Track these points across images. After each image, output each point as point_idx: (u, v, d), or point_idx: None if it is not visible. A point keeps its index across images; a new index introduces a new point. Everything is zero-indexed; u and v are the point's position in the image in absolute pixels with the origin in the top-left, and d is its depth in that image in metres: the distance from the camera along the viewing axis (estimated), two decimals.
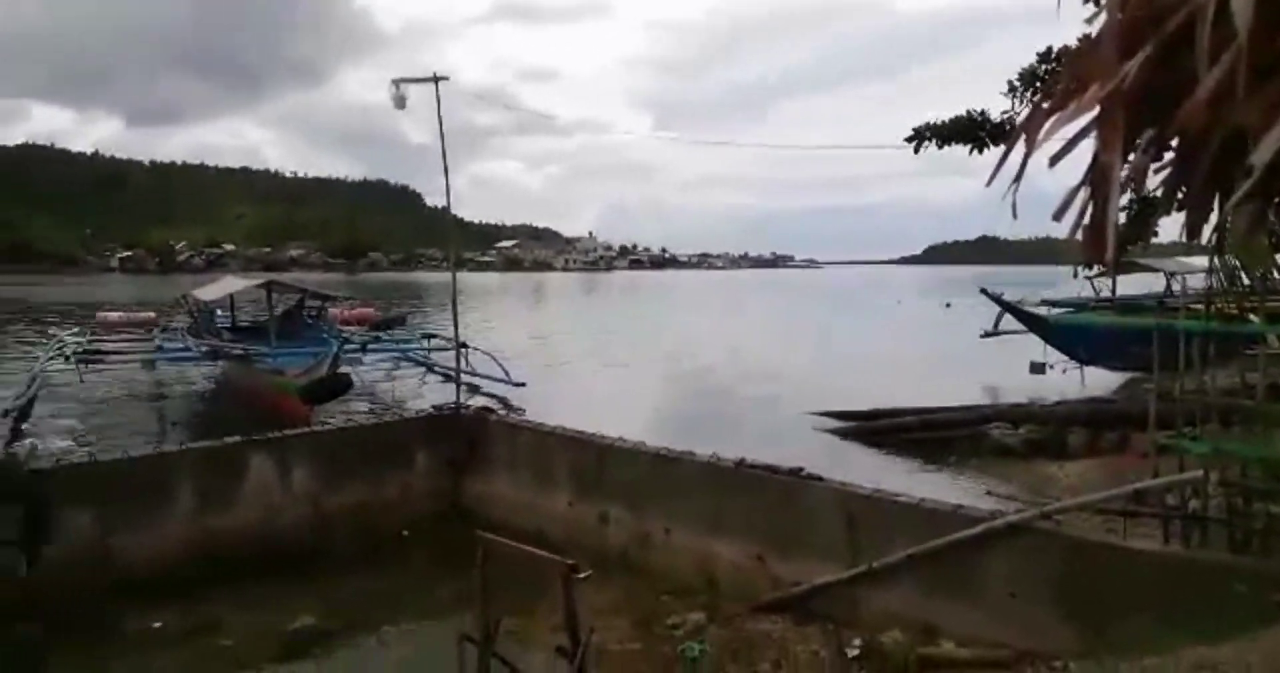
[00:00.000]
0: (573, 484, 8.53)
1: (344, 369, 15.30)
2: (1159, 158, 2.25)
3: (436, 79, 11.23)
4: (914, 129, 9.80)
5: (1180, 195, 2.25)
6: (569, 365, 25.33)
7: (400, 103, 11.31)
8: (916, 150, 9.92)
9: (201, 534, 7.74)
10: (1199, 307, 5.85)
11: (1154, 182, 2.30)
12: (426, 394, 18.51)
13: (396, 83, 11.29)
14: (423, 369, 21.78)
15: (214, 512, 7.90)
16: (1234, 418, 5.77)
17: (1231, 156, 1.88)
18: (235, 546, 7.75)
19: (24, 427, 14.39)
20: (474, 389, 17.69)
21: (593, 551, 7.15)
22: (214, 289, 22.62)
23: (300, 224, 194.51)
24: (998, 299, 22.33)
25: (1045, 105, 2.19)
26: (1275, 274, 5.72)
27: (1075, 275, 14.95)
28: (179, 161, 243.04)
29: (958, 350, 25.36)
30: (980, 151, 9.64)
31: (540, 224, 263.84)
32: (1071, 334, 19.95)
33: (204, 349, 18.82)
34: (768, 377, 22.40)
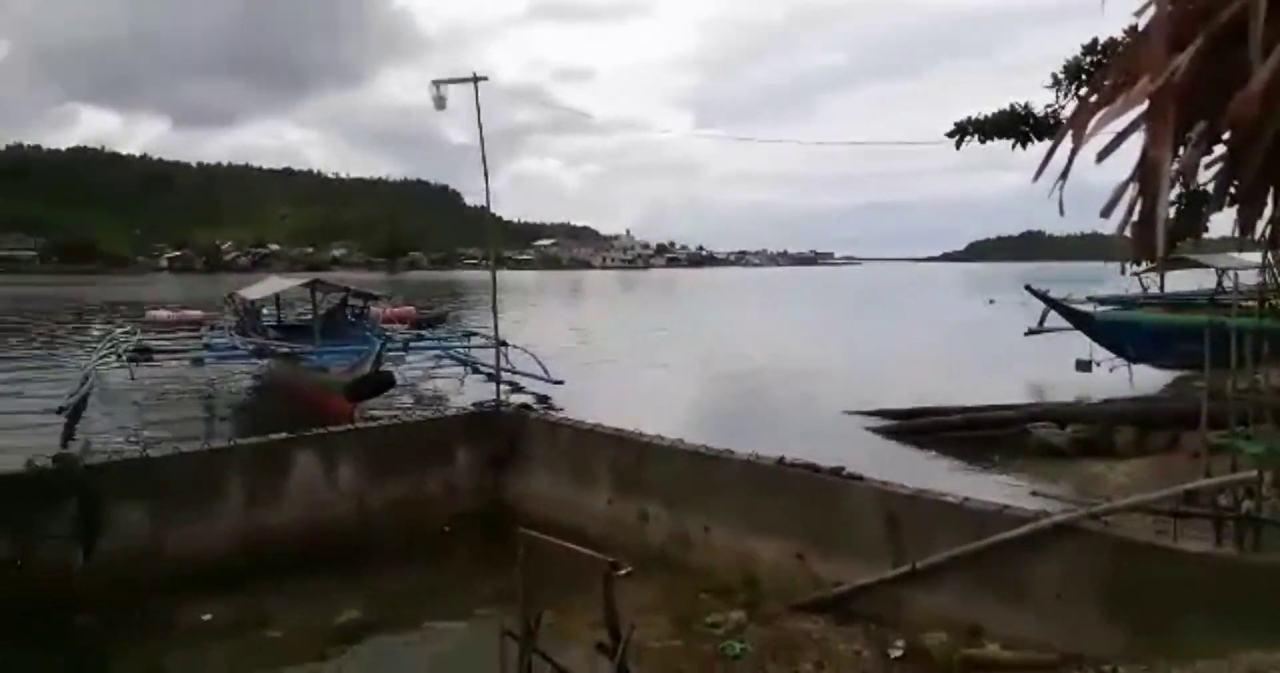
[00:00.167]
0: (612, 482, 8.55)
1: (386, 367, 15.49)
2: (1210, 152, 2.21)
3: (475, 79, 11.29)
4: (956, 124, 9.68)
5: (1233, 190, 2.21)
6: (607, 363, 25.38)
7: (440, 103, 11.40)
8: (959, 145, 9.79)
9: (250, 529, 7.90)
10: (1252, 303, 5.72)
11: (1205, 176, 2.26)
12: (467, 392, 18.70)
13: (436, 83, 11.37)
14: (463, 367, 22.01)
15: (262, 507, 8.06)
16: None
17: None
18: (282, 540, 7.89)
19: (78, 424, 14.74)
20: (514, 387, 17.80)
21: (632, 548, 7.16)
22: (260, 288, 23.05)
23: (343, 224, 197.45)
24: (1042, 296, 21.95)
25: (1092, 99, 2.16)
26: None
27: (1123, 272, 14.66)
28: (224, 163, 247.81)
29: (1002, 348, 24.99)
30: (1024, 146, 9.49)
31: (578, 223, 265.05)
32: (1119, 331, 19.57)
33: (251, 347, 19.19)
34: (807, 374, 22.25)
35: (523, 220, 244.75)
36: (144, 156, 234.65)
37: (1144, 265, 12.63)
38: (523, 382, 18.96)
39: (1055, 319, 22.21)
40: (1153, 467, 11.08)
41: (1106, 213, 2.13)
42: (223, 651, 6.44)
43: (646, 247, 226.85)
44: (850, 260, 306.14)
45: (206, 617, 6.85)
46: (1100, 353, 19.14)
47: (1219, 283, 20.70)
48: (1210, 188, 2.31)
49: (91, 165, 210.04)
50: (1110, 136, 2.12)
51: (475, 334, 23.18)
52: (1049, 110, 9.07)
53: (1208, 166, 2.22)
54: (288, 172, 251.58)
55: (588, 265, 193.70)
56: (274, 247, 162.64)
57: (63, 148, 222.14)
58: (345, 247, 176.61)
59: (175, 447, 8.69)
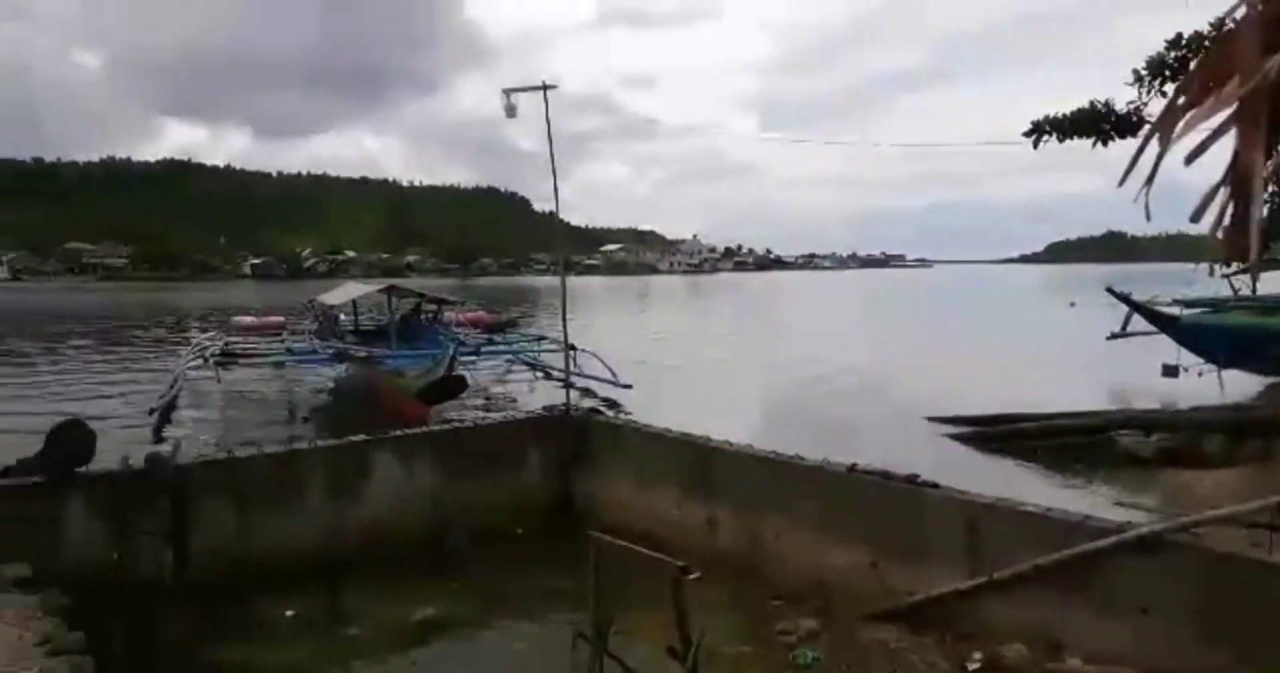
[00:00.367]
0: (680, 486, 8.56)
1: (459, 371, 15.80)
2: None
3: (545, 87, 11.43)
4: (1033, 123, 9.45)
5: None
6: (675, 367, 25.40)
7: (511, 112, 11.57)
8: (1036, 145, 9.56)
9: (329, 528, 8.11)
10: None
11: None
12: (537, 396, 18.94)
13: (507, 92, 11.54)
14: (533, 371, 22.30)
15: (341, 506, 8.28)
16: None
17: None
18: (361, 539, 8.10)
19: (168, 424, 15.39)
20: (585, 392, 17.96)
21: (701, 553, 7.16)
22: (338, 294, 23.74)
23: (416, 230, 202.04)
24: (1126, 298, 21.20)
25: (1180, 101, 2.10)
26: None
27: (1212, 273, 14.11)
28: (303, 172, 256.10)
29: (1083, 353, 24.24)
30: (1104, 144, 9.22)
31: (644, 227, 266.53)
32: (1208, 335, 18.78)
33: (330, 351, 19.76)
34: (880, 380, 21.94)
35: (590, 226, 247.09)
36: (228, 167, 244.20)
37: (1234, 267, 12.14)
38: (591, 385, 19.11)
39: (1139, 323, 21.43)
40: (1244, 477, 10.63)
41: (1196, 218, 2.08)
42: (305, 646, 6.64)
43: (713, 250, 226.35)
44: (922, 263, 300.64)
45: (289, 613, 7.07)
46: (1188, 358, 18.40)
47: None
48: None
49: (179, 176, 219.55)
50: (1199, 138, 2.07)
51: (544, 338, 23.48)
52: (1131, 107, 8.79)
53: None
54: (363, 180, 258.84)
55: (654, 270, 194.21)
56: (350, 253, 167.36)
57: (153, 159, 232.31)
58: (418, 252, 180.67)
59: (259, 448, 9.01)
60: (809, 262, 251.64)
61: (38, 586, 5.99)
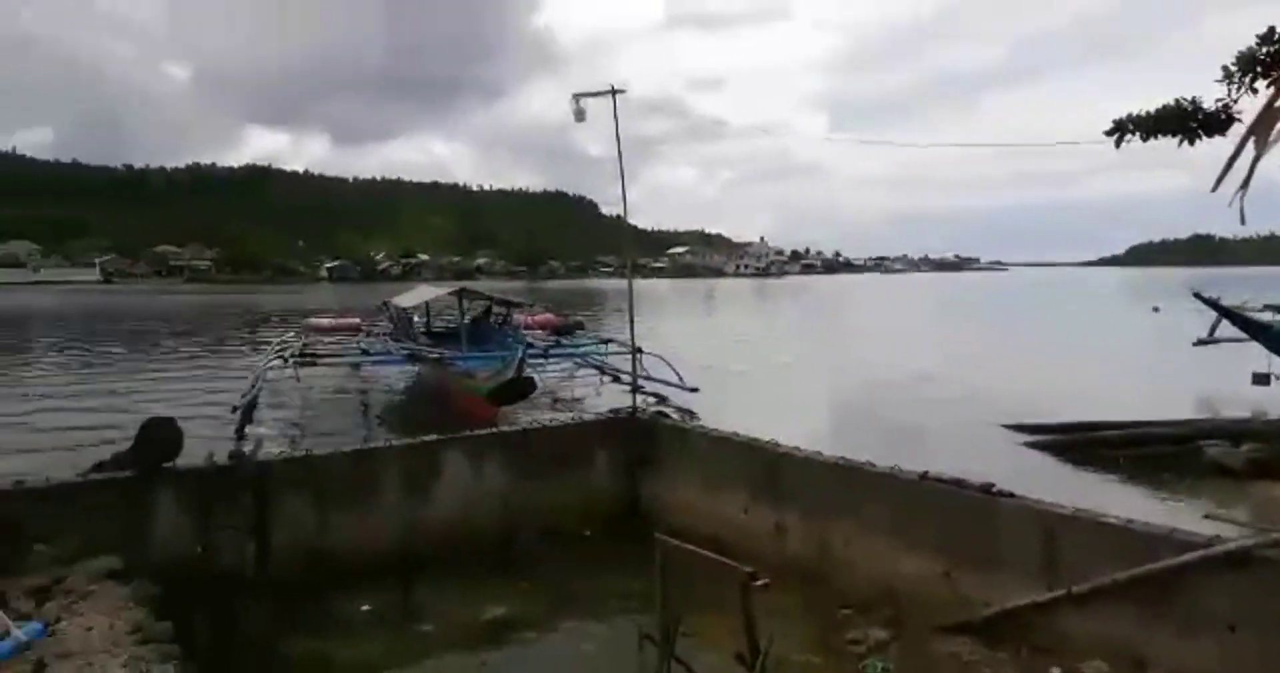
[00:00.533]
0: (748, 491, 8.51)
1: (528, 373, 15.96)
2: None
3: (614, 92, 11.51)
4: (1114, 121, 9.14)
5: None
6: (741, 370, 25.25)
7: (580, 116, 11.68)
8: (1118, 144, 9.25)
9: (403, 525, 8.30)
10: None
11: None
12: (604, 398, 19.03)
13: (577, 97, 11.66)
14: (600, 373, 22.41)
15: (414, 504, 8.45)
16: None
17: None
18: (433, 537, 8.26)
19: (250, 421, 15.88)
20: (650, 395, 17.97)
21: (769, 558, 7.12)
22: (411, 296, 24.24)
23: (485, 233, 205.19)
24: (1213, 304, 20.32)
25: (1278, 104, 2.02)
26: None
27: None
28: (378, 177, 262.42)
29: (1168, 360, 23.36)
30: (1191, 143, 8.88)
31: (711, 230, 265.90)
32: None
33: (403, 353, 20.18)
34: (952, 385, 21.43)
35: (656, 228, 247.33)
36: (307, 172, 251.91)
37: None
38: (658, 388, 19.11)
39: (1228, 329, 20.54)
40: None
41: None
42: (379, 641, 6.80)
43: (780, 253, 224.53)
44: (997, 266, 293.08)
45: (365, 608, 7.26)
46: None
47: None
48: None
49: (261, 181, 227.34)
50: None
51: (611, 341, 23.58)
52: (1219, 105, 8.45)
53: None
54: (435, 185, 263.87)
55: (720, 273, 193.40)
56: (423, 256, 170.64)
57: (236, 165, 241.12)
58: (488, 255, 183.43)
59: (336, 446, 9.25)
60: (878, 264, 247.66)
61: (128, 576, 6.26)
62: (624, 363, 20.95)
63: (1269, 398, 16.26)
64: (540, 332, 25.40)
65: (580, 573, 8.00)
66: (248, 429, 15.14)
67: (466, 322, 21.24)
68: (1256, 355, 18.11)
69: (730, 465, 8.83)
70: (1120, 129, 9.38)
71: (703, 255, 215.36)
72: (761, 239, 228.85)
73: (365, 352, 21.11)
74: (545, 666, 6.72)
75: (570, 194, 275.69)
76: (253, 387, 17.23)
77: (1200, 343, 21.35)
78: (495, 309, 23.52)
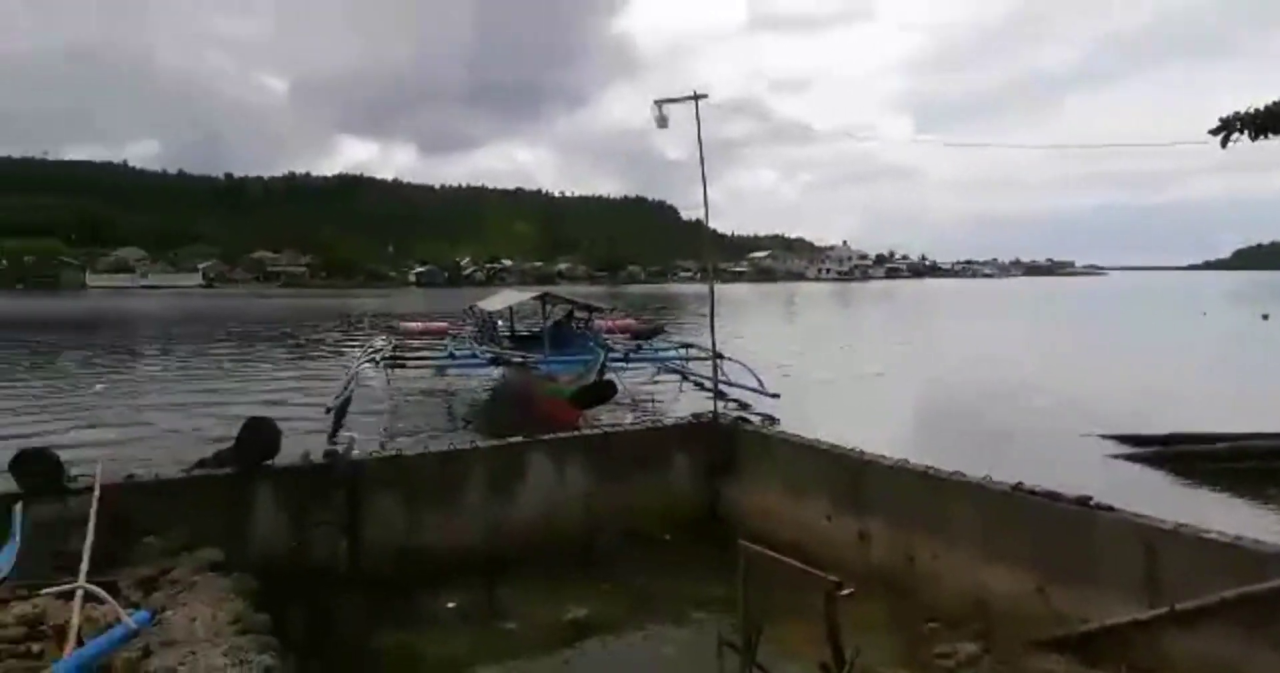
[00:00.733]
0: (830, 498, 8.39)
1: (609, 377, 16.08)
2: None
3: (696, 97, 11.50)
4: (1221, 119, 8.74)
5: None
6: (823, 376, 24.91)
7: (662, 122, 11.71)
8: (1225, 144, 8.84)
9: (488, 525, 8.44)
10: None
11: None
12: (684, 403, 19.04)
13: (659, 103, 11.70)
14: (680, 378, 22.43)
15: (499, 505, 8.60)
16: None
17: None
18: (517, 537, 8.39)
19: (343, 421, 16.42)
20: (732, 401, 17.90)
21: (852, 567, 6.99)
22: (496, 301, 24.71)
23: (566, 239, 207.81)
24: None
25: None
26: None
27: None
28: (463, 184, 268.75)
29: (1278, 369, 22.08)
30: None
31: (792, 234, 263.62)
32: None
33: (488, 356, 20.58)
34: (1045, 395, 20.73)
35: (736, 233, 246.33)
36: (395, 180, 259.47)
37: None
38: (738, 394, 19.02)
39: None
40: None
41: None
42: (465, 637, 6.93)
43: (864, 257, 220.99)
44: (1093, 270, 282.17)
45: (451, 605, 7.42)
46: None
47: None
48: None
49: (352, 190, 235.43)
50: None
51: (691, 346, 23.58)
52: None
53: None
54: (518, 191, 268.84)
55: (802, 277, 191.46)
56: (506, 261, 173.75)
57: (329, 174, 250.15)
58: (569, 260, 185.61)
59: (424, 446, 9.47)
60: (967, 268, 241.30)
61: (229, 569, 6.55)
62: (704, 368, 20.92)
63: None
64: (621, 336, 25.56)
65: (660, 576, 8.01)
66: (340, 429, 15.64)
67: (549, 326, 21.51)
68: None
69: (812, 472, 8.72)
70: (1227, 127, 8.95)
71: (783, 259, 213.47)
72: (844, 243, 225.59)
73: (452, 355, 21.58)
74: (626, 668, 6.75)
75: (650, 199, 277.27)
76: (346, 388, 17.79)
77: None
78: (577, 314, 23.76)
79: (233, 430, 7.87)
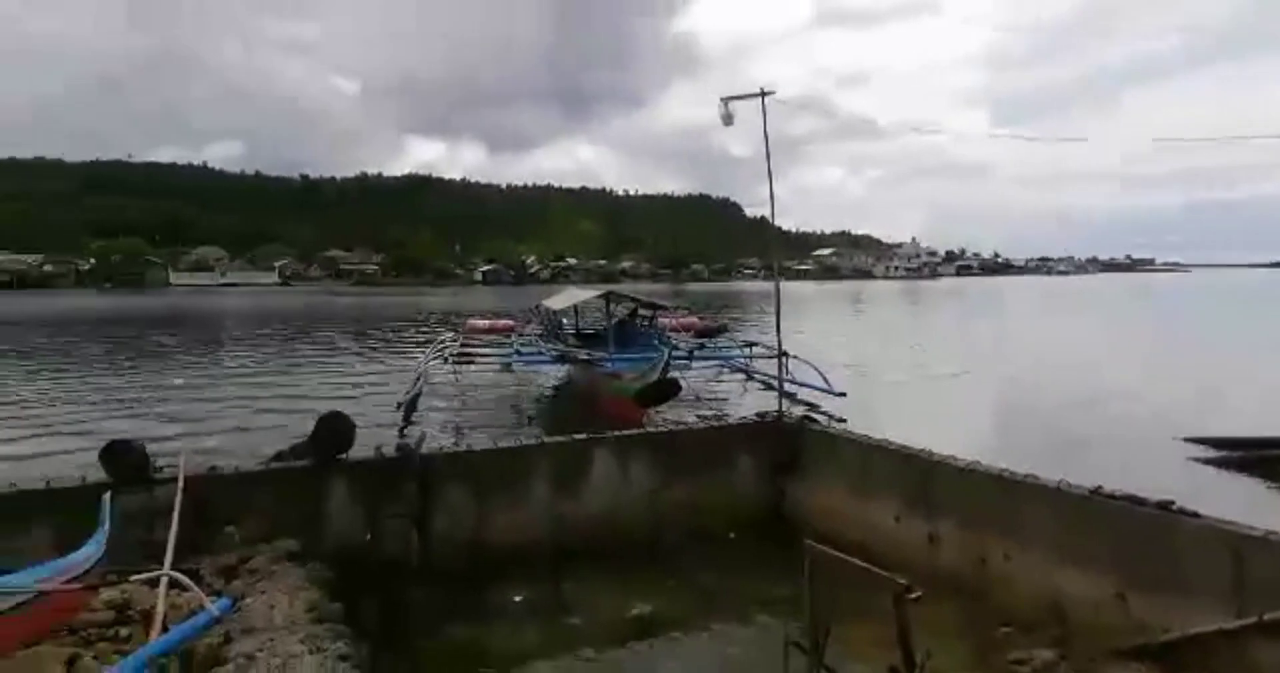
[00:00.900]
0: (898, 499, 8.25)
1: (673, 375, 16.07)
2: None
3: (763, 94, 11.42)
4: None
5: None
6: (892, 376, 24.48)
7: (728, 120, 11.67)
8: None
9: (553, 520, 8.54)
10: None
11: None
12: (748, 401, 18.92)
13: (725, 101, 11.66)
14: (744, 376, 22.30)
15: (565, 500, 8.68)
16: None
17: None
18: (582, 533, 8.47)
19: (413, 417, 16.74)
20: (798, 401, 17.72)
21: (921, 569, 6.86)
22: (561, 299, 24.88)
23: (630, 237, 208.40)
24: None
25: None
26: None
27: None
28: (528, 183, 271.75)
29: None
30: None
31: (859, 231, 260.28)
32: None
33: (554, 354, 20.75)
34: (1125, 396, 20.02)
35: (800, 230, 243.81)
36: (463, 180, 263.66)
37: None
38: (804, 392, 18.83)
39: None
40: None
41: None
42: (532, 631, 7.02)
43: (933, 254, 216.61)
44: (1175, 267, 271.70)
45: (517, 598, 7.52)
46: None
47: None
48: None
49: (421, 189, 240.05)
50: None
51: (755, 344, 23.42)
52: None
53: None
54: (582, 190, 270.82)
55: (869, 275, 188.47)
56: (571, 260, 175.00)
57: (399, 174, 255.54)
58: (633, 258, 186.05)
59: (492, 441, 9.61)
60: (1041, 265, 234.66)
61: (305, 559, 6.75)
62: (768, 366, 20.77)
63: None
64: (685, 334, 25.51)
65: (725, 575, 7.99)
66: (410, 424, 15.94)
67: (613, 324, 21.59)
68: None
69: (880, 472, 8.59)
70: None
71: (849, 257, 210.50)
72: (913, 239, 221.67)
73: (518, 352, 21.82)
74: (691, 666, 6.74)
75: (713, 196, 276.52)
76: (415, 383, 18.12)
77: None
78: (641, 312, 23.80)
79: (309, 425, 8.07)
